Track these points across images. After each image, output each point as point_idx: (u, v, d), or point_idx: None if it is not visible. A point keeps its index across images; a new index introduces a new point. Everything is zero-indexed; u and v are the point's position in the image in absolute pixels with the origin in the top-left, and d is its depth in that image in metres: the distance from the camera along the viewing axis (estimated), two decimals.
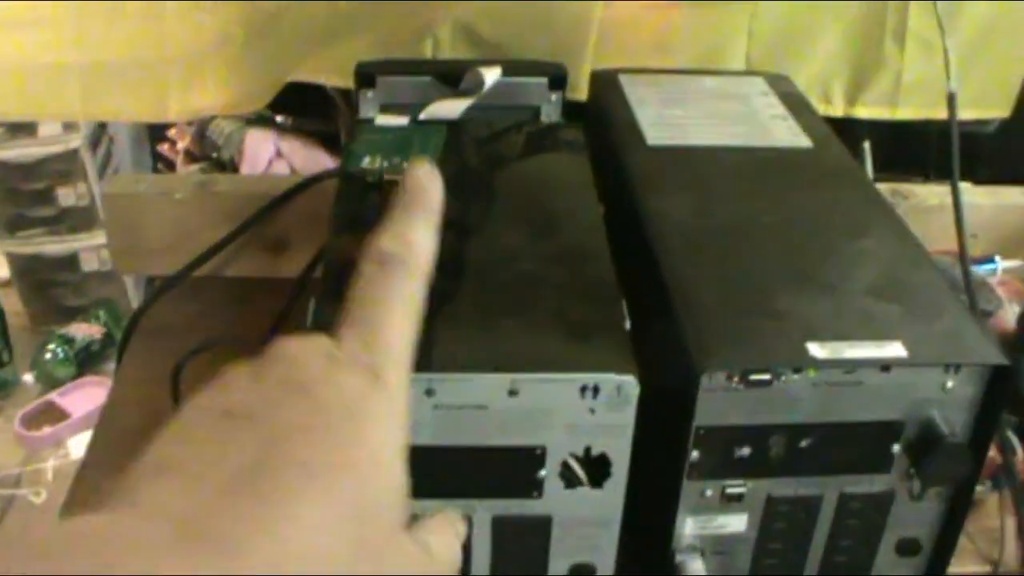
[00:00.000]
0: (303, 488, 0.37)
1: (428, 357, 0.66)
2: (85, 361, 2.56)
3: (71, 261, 2.54)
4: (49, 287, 2.62)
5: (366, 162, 0.87)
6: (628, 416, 0.67)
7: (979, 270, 1.17)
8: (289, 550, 0.36)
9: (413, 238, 0.49)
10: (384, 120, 0.94)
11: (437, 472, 0.68)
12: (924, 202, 1.22)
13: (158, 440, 0.41)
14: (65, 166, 2.41)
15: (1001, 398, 0.71)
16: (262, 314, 1.04)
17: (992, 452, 0.90)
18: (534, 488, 0.70)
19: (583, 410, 0.67)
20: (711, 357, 0.67)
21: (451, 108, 0.96)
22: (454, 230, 0.80)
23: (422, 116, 0.95)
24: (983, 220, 1.24)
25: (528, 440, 0.68)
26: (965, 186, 1.30)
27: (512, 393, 0.66)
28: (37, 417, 2.47)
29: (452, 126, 0.95)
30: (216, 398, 0.42)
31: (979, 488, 0.91)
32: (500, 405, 0.66)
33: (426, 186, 0.52)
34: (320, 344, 0.45)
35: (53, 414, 2.46)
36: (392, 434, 0.42)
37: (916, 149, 1.24)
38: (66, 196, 2.44)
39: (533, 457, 0.68)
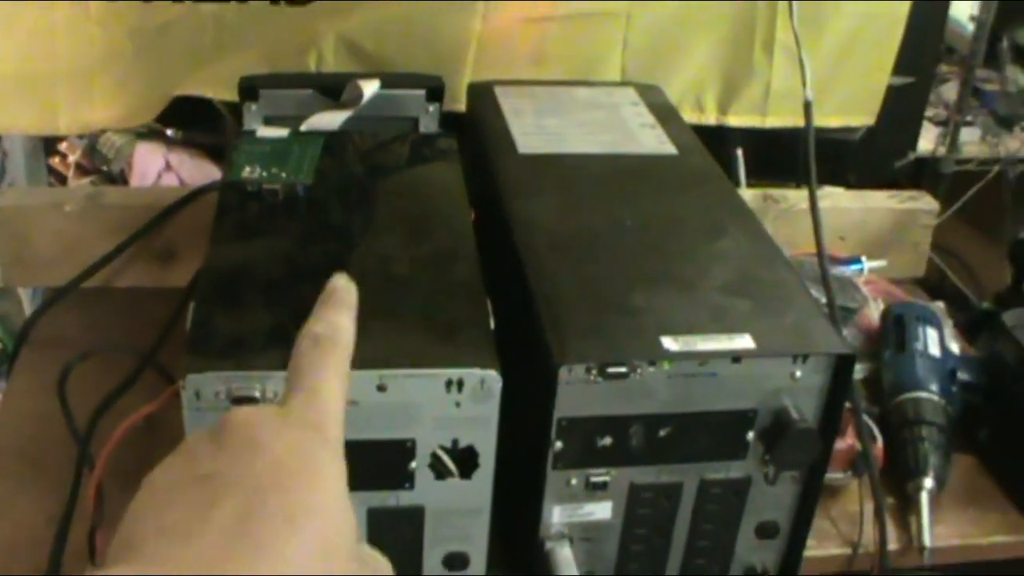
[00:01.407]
0: (282, 531, 0.44)
1: None
2: None
3: None
4: None
5: (246, 172, 0.89)
6: (492, 409, 0.71)
7: (846, 270, 1.22)
8: None
9: (338, 322, 0.57)
10: (265, 132, 0.97)
11: None
12: (795, 206, 1.27)
13: (144, 506, 0.47)
14: None
15: (846, 385, 0.76)
16: (152, 323, 1.06)
17: (852, 440, 0.95)
18: (406, 480, 0.73)
19: (449, 404, 0.70)
20: (569, 351, 0.71)
21: (331, 120, 0.99)
22: (331, 236, 0.84)
23: (303, 128, 0.98)
24: (851, 223, 1.30)
25: (398, 434, 0.71)
26: (834, 190, 1.36)
27: (381, 389, 0.69)
28: None
29: (332, 137, 0.98)
30: (187, 466, 0.48)
31: (840, 475, 0.96)
32: (370, 400, 0.69)
33: (345, 287, 0.60)
34: (268, 409, 0.52)
35: None
36: (340, 478, 0.49)
37: (787, 156, 1.28)
38: None
39: (404, 450, 0.72)
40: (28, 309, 2.44)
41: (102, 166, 2.06)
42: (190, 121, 1.95)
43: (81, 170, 2.11)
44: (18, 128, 1.29)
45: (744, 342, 0.73)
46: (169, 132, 2.01)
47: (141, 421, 0.88)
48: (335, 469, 0.50)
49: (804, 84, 1.04)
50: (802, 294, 0.81)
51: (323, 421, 0.52)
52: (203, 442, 0.50)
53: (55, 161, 2.13)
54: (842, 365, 0.75)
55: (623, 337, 0.74)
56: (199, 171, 2.01)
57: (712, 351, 0.73)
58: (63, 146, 2.13)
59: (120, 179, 2.07)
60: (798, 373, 0.75)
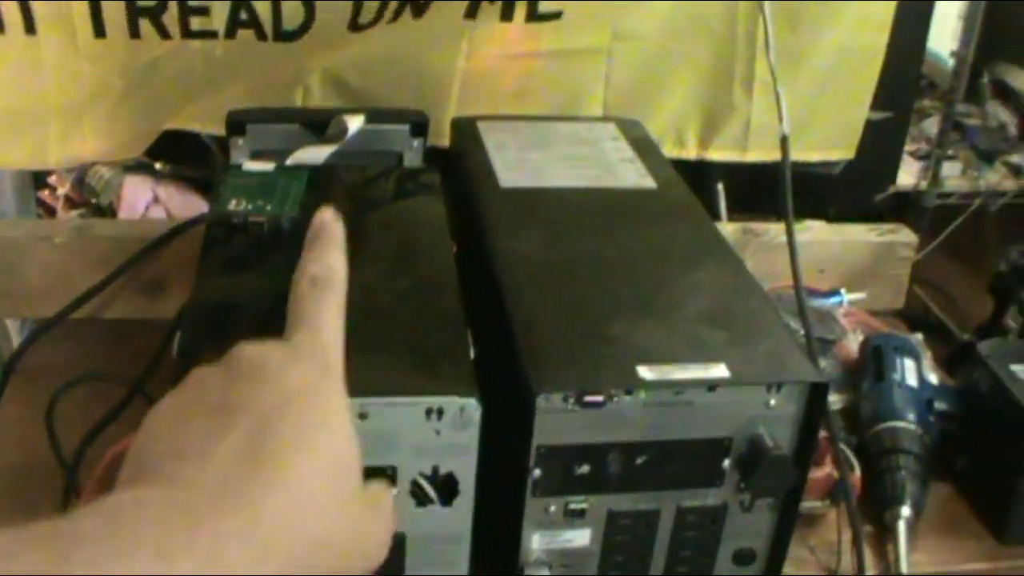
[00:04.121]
0: (293, 454, 0.48)
1: None
2: None
3: None
4: None
5: (232, 205, 0.91)
6: (472, 436, 0.72)
7: (825, 302, 1.24)
8: (294, 500, 0.47)
9: (332, 262, 0.62)
10: (251, 166, 0.99)
11: None
12: (774, 239, 1.28)
13: (156, 431, 0.50)
14: None
15: (820, 413, 0.78)
16: (139, 354, 1.07)
17: (830, 469, 0.96)
18: None
19: (429, 432, 0.71)
20: (547, 380, 0.72)
21: (316, 154, 1.01)
22: None
23: (288, 162, 0.99)
24: (830, 256, 1.32)
25: (379, 461, 0.72)
26: (814, 224, 1.38)
27: (362, 416, 0.70)
28: None
29: (317, 171, 0.99)
30: (197, 396, 0.52)
31: (818, 503, 0.97)
32: None
33: (332, 223, 0.64)
34: (274, 345, 0.56)
35: None
36: (344, 408, 0.54)
37: (769, 190, 1.30)
38: None
39: (384, 477, 0.73)
40: (13, 336, 2.45)
41: (91, 199, 2.07)
42: (178, 155, 1.97)
43: (70, 203, 2.12)
44: (8, 163, 1.31)
45: (719, 371, 0.75)
46: (157, 166, 2.02)
47: (123, 454, 0.89)
48: (339, 399, 0.54)
49: (780, 119, 1.06)
50: (777, 324, 0.82)
51: (327, 354, 0.56)
52: (211, 375, 0.53)
53: (44, 194, 2.14)
54: (816, 393, 0.77)
55: (600, 366, 0.75)
56: (187, 204, 2.02)
57: (687, 380, 0.74)
58: (52, 179, 2.14)
59: (109, 212, 2.07)
60: (772, 401, 0.76)
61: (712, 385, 0.74)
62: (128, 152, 1.29)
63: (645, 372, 0.74)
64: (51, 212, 2.15)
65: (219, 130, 1.13)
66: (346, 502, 0.51)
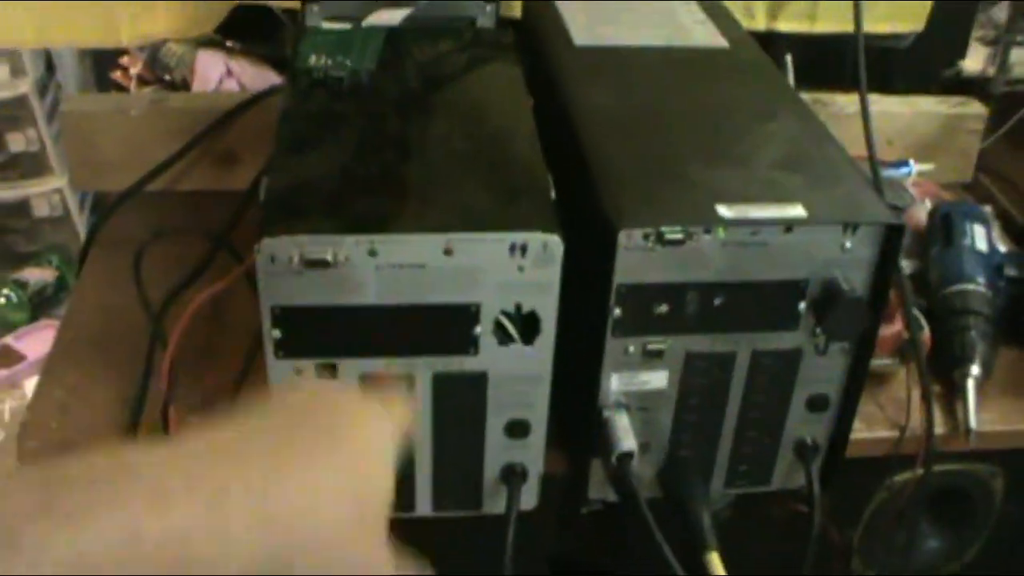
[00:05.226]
0: (324, 455, 0.49)
1: (371, 220, 0.72)
2: (39, 305, 2.57)
3: (22, 207, 2.55)
4: (0, 233, 2.63)
5: (312, 60, 0.92)
6: (554, 274, 0.73)
7: (894, 173, 1.24)
8: (309, 492, 0.48)
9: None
10: (329, 24, 1.00)
11: (382, 331, 0.74)
12: (843, 110, 1.28)
13: (206, 439, 0.49)
14: (14, 112, 2.42)
15: (895, 257, 0.78)
16: (214, 224, 1.10)
17: (899, 326, 0.97)
18: (470, 344, 0.76)
19: (513, 268, 0.73)
20: (628, 217, 0.73)
21: (391, 16, 1.01)
22: (395, 118, 0.86)
23: (364, 23, 1.00)
24: (899, 127, 1.31)
25: (463, 298, 0.74)
26: (882, 96, 1.37)
27: (447, 252, 0.71)
28: None
29: (392, 32, 1.00)
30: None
31: (887, 361, 0.98)
32: (437, 264, 0.71)
33: None
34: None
35: (9, 357, 2.46)
36: (390, 452, 0.54)
37: (836, 64, 1.29)
38: (16, 142, 2.45)
39: (468, 314, 0.74)
40: (82, 235, 2.49)
41: (164, 75, 2.09)
42: (249, 32, 1.98)
43: (143, 82, 2.14)
44: (81, 41, 1.33)
45: (796, 211, 0.76)
46: (228, 43, 2.04)
47: (208, 302, 0.92)
48: (388, 439, 0.54)
49: None
50: (852, 170, 0.83)
51: (390, 404, 0.57)
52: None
53: (117, 75, 2.17)
54: (891, 236, 0.77)
55: (679, 205, 0.76)
56: (260, 78, 2.03)
57: (765, 219, 0.75)
58: (124, 60, 2.16)
59: (182, 87, 2.09)
60: (848, 244, 0.77)
61: (789, 225, 0.75)
62: (199, 28, 1.30)
63: (724, 211, 0.74)
64: (124, 93, 2.17)
65: (291, 3, 1.13)
66: (363, 529, 0.51)
